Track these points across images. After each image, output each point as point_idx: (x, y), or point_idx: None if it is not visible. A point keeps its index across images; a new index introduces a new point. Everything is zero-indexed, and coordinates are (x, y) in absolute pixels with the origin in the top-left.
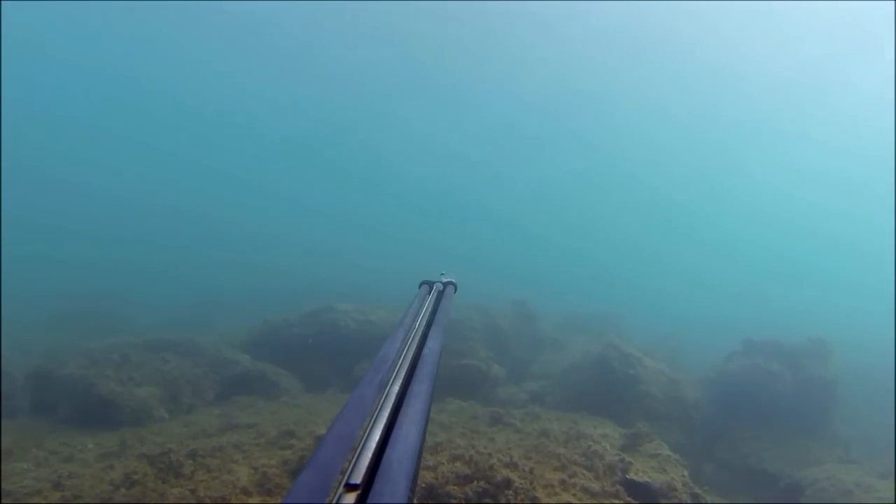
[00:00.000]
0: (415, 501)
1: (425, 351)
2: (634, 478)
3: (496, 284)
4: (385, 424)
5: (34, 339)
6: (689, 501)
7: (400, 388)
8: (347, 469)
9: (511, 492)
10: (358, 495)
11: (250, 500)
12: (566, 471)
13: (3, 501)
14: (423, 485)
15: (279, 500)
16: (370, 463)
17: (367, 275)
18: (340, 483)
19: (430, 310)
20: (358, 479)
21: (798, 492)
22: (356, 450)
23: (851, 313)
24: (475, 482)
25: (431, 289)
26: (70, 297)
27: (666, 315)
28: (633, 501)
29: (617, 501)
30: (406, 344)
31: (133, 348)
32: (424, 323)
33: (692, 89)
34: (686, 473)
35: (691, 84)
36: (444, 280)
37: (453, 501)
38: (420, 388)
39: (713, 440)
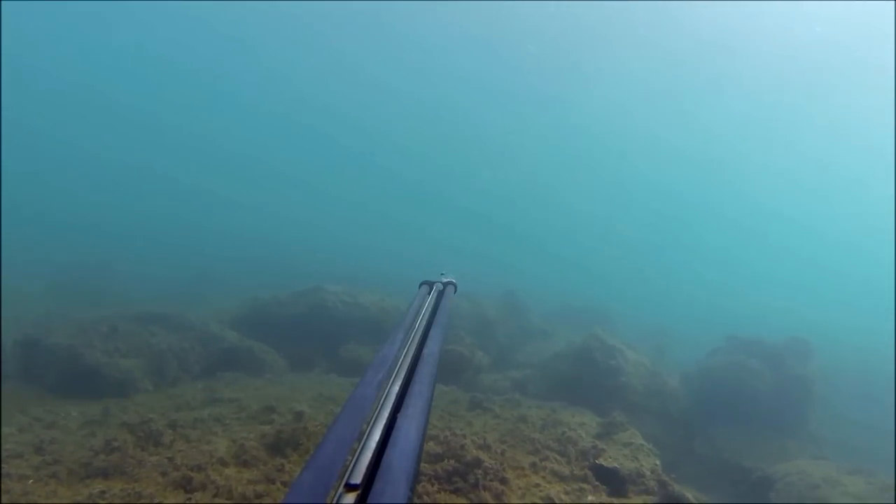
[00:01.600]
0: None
1: (425, 351)
2: (603, 463)
3: (488, 273)
4: (385, 424)
5: (28, 308)
6: (655, 489)
7: (400, 388)
8: (347, 469)
9: (480, 471)
10: (358, 495)
11: (226, 470)
12: (538, 455)
13: None
14: None
15: (255, 472)
16: (370, 463)
17: (358, 251)
18: (340, 483)
19: (430, 310)
20: (358, 479)
21: (768, 485)
22: (356, 450)
23: (838, 315)
24: (445, 461)
25: (431, 289)
26: (66, 266)
27: (658, 310)
28: (599, 485)
29: (584, 485)
30: (406, 344)
31: (122, 320)
32: (424, 323)
33: (690, 82)
34: (658, 463)
35: (689, 76)
36: (444, 280)
37: (421, 478)
38: (420, 389)
39: (691, 434)
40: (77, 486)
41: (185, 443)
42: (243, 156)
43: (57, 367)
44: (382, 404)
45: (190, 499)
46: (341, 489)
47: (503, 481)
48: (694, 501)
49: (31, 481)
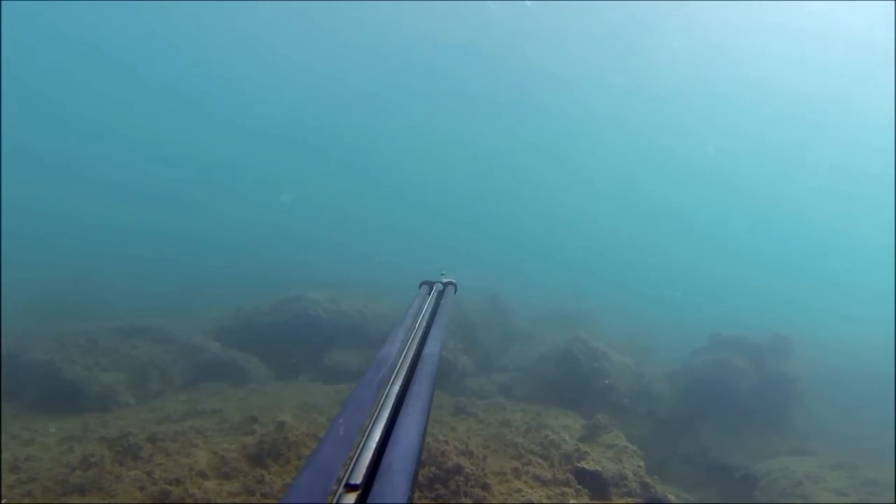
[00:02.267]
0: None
1: (425, 351)
2: (586, 466)
3: (471, 275)
4: (385, 424)
5: (7, 325)
6: (638, 491)
7: (400, 388)
8: (347, 469)
9: (461, 478)
10: (358, 495)
11: (206, 483)
12: (521, 459)
13: None
14: None
15: (235, 484)
16: (370, 463)
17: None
18: (340, 483)
19: (430, 310)
20: (358, 479)
21: (752, 483)
22: (356, 450)
23: (822, 314)
24: (426, 467)
25: (431, 289)
26: (45, 282)
27: (643, 310)
28: (581, 489)
29: (566, 489)
30: (406, 344)
31: (103, 333)
32: (424, 323)
33: (681, 77)
34: (641, 464)
35: (680, 72)
36: (444, 280)
37: None
38: (420, 389)
39: (677, 434)
40: None
41: (165, 456)
42: (223, 166)
43: (36, 384)
44: (382, 404)
45: None
46: (341, 489)
47: (484, 487)
48: (676, 502)
49: (4, 501)
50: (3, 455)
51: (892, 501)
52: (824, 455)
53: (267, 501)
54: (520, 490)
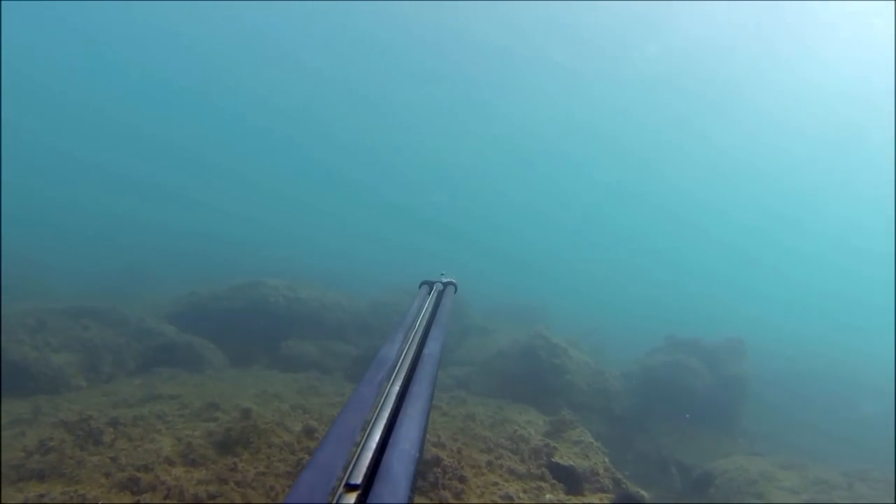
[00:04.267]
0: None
1: (425, 351)
2: (559, 461)
3: (425, 268)
4: (385, 424)
5: None
6: (610, 486)
7: (400, 388)
8: (347, 469)
9: (440, 469)
10: (358, 495)
11: (174, 470)
12: (492, 453)
13: None
14: None
15: (204, 472)
16: (370, 463)
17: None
18: (340, 483)
19: (430, 310)
20: (358, 479)
21: (708, 481)
22: (356, 450)
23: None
24: None
25: (431, 289)
26: None
27: (593, 309)
28: (556, 483)
29: (542, 483)
30: (406, 344)
31: (51, 314)
32: (424, 323)
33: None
34: (607, 460)
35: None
36: (444, 280)
37: None
38: (420, 389)
39: (632, 431)
40: (9, 491)
41: (128, 441)
42: (179, 147)
43: None
44: (382, 405)
45: (138, 501)
46: (341, 489)
47: (462, 480)
48: (650, 500)
49: None
50: None
51: (842, 500)
52: (773, 456)
53: (241, 490)
54: (496, 483)
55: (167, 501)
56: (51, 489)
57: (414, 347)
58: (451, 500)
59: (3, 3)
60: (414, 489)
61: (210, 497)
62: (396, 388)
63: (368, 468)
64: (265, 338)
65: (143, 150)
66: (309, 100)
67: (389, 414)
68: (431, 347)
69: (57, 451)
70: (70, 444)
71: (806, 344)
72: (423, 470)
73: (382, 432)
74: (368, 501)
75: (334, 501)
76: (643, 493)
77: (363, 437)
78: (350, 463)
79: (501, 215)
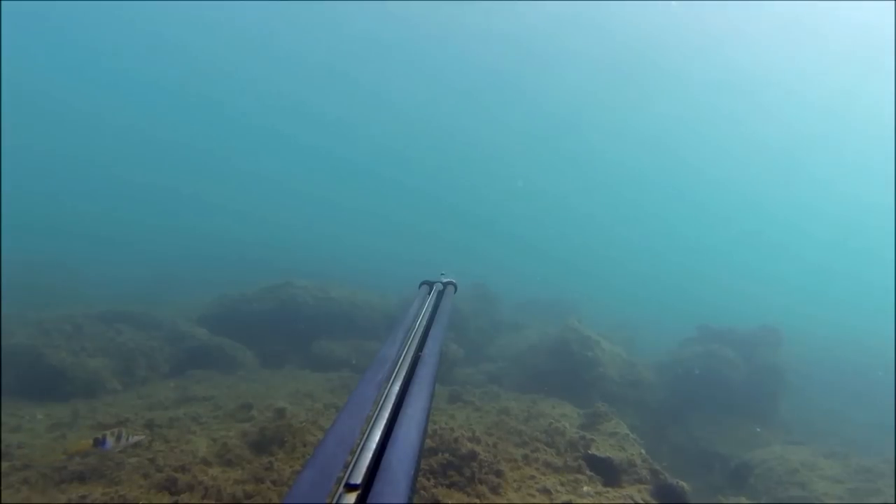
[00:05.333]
0: (414, 501)
1: (425, 351)
2: (596, 453)
3: (456, 263)
4: (385, 424)
5: None
6: (647, 478)
7: (400, 388)
8: (347, 469)
9: (476, 464)
10: (358, 495)
11: (211, 470)
12: (528, 447)
13: None
14: None
15: (241, 472)
16: (370, 463)
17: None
18: (340, 483)
19: (430, 310)
20: (358, 479)
21: (747, 471)
22: (356, 450)
23: (808, 305)
24: (440, 455)
25: (431, 289)
26: (17, 265)
27: (625, 301)
28: (593, 475)
29: (580, 475)
30: (406, 344)
31: (86, 319)
32: (424, 323)
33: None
34: (643, 451)
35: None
36: (444, 280)
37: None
38: (420, 388)
39: (667, 423)
40: (52, 492)
41: (164, 443)
42: (205, 153)
43: (18, 369)
44: (382, 404)
45: (177, 501)
46: (341, 489)
47: (498, 474)
48: (689, 490)
49: (1, 488)
50: None
51: (888, 488)
52: (813, 444)
53: (277, 489)
54: (532, 477)
55: (205, 501)
56: (92, 490)
57: (414, 347)
58: (489, 495)
59: (2, 3)
60: (414, 489)
61: (247, 496)
62: (396, 388)
63: (368, 468)
64: (296, 338)
65: (172, 159)
66: (347, 110)
67: (389, 414)
68: (431, 347)
69: (96, 454)
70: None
71: (837, 331)
72: (460, 465)
73: (382, 432)
74: (368, 501)
75: (334, 501)
76: (682, 483)
77: (363, 436)
78: (350, 463)
79: (535, 209)
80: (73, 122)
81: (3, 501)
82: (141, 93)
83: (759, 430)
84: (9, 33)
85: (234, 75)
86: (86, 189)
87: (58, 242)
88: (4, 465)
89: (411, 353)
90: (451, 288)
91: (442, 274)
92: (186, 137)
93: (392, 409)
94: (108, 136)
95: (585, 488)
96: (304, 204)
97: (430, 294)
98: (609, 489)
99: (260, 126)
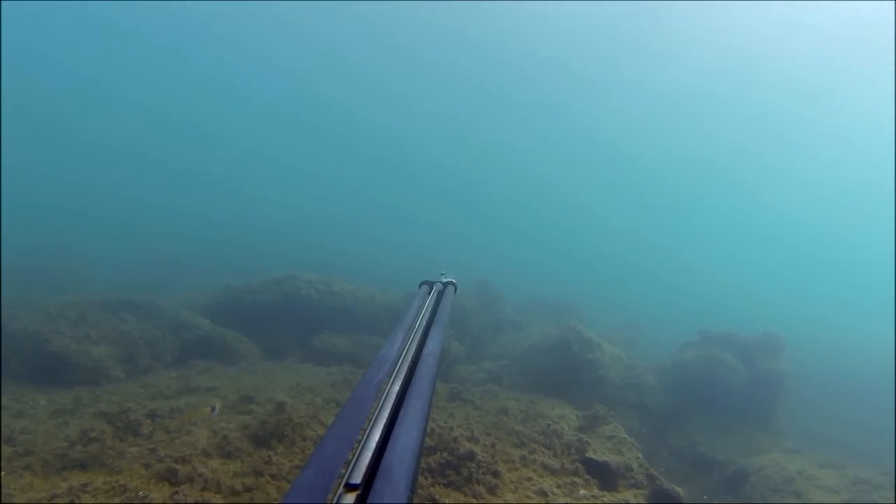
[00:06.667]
0: (414, 501)
1: (425, 351)
2: (593, 457)
3: (460, 260)
4: (385, 424)
5: None
6: (644, 482)
7: (400, 387)
8: (347, 469)
9: (474, 464)
10: (358, 495)
11: (210, 462)
12: (525, 448)
13: None
14: None
15: (240, 465)
16: (370, 463)
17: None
18: (340, 483)
19: (430, 309)
20: (358, 479)
21: (744, 478)
22: (356, 450)
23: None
24: (438, 454)
25: (431, 289)
26: (23, 249)
27: (626, 302)
28: (590, 479)
29: (577, 478)
30: (406, 343)
31: (91, 306)
32: (425, 322)
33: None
34: (641, 456)
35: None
36: (444, 280)
37: None
38: (420, 388)
39: (666, 427)
40: (54, 479)
41: (165, 433)
42: (215, 135)
43: (22, 355)
44: (382, 404)
45: (177, 492)
46: (341, 489)
47: (496, 475)
48: (685, 496)
49: (2, 473)
50: None
51: (884, 500)
52: (811, 453)
53: (276, 483)
54: (529, 478)
55: (204, 493)
56: (93, 479)
57: (414, 347)
58: (486, 495)
59: (2, 3)
60: (414, 489)
61: (246, 489)
62: (396, 388)
63: (368, 467)
64: (299, 331)
65: (188, 141)
66: (388, 119)
67: (389, 413)
68: (431, 346)
69: (98, 442)
70: (110, 436)
71: (842, 338)
72: (457, 464)
73: (382, 431)
74: (368, 501)
75: (334, 501)
76: (678, 489)
77: (363, 436)
78: (350, 462)
79: (545, 207)
80: (95, 100)
81: (4, 487)
82: (159, 71)
83: (758, 436)
84: (9, 32)
85: (266, 60)
86: (102, 170)
87: (67, 224)
88: (7, 450)
89: (411, 353)
90: (451, 288)
91: (442, 274)
92: (216, 125)
93: (392, 409)
94: (126, 117)
95: (582, 491)
96: (344, 198)
97: (430, 294)
98: (605, 493)
99: (294, 119)
